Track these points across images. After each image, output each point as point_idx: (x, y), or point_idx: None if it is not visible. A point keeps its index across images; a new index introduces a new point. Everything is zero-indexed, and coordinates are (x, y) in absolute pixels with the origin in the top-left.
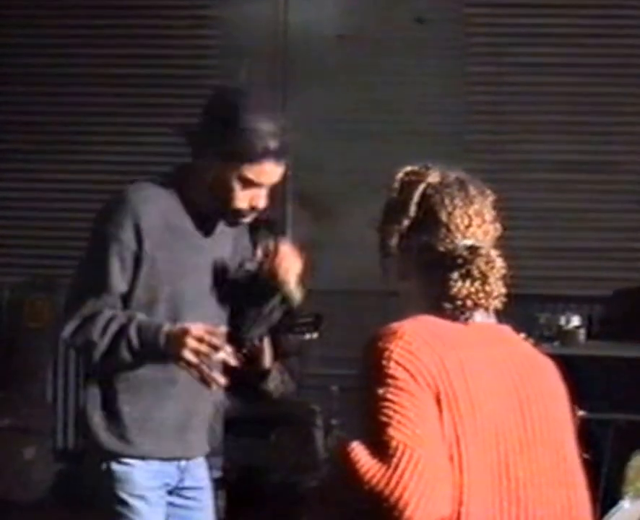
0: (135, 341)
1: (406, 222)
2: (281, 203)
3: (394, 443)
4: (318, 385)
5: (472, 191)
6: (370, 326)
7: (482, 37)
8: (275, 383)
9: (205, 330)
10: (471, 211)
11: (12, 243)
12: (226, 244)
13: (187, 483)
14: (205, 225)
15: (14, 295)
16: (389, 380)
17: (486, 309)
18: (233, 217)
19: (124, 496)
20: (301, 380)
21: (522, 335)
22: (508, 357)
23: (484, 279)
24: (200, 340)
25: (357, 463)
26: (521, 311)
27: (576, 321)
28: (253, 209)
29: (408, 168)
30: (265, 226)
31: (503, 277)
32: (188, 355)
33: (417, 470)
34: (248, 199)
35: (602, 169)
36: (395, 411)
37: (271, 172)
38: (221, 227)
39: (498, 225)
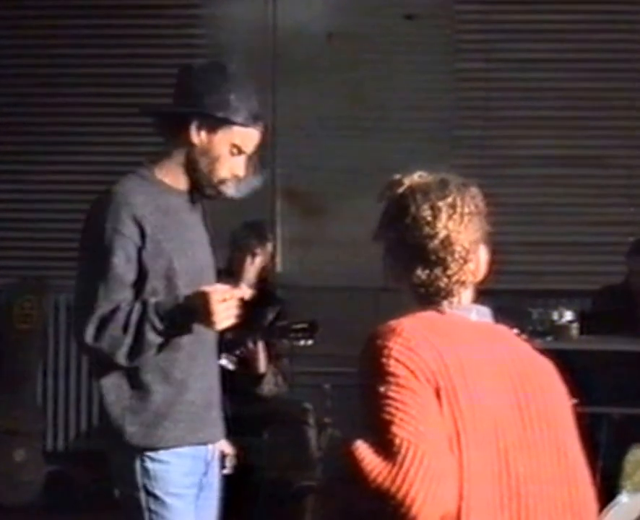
0: (157, 322)
1: (389, 227)
2: (270, 200)
3: (397, 441)
4: (311, 383)
5: (451, 187)
6: (360, 322)
7: (471, 33)
8: (269, 386)
9: (222, 290)
10: (441, 204)
11: (1, 245)
12: (200, 221)
13: (209, 478)
14: (187, 204)
15: (4, 296)
16: (390, 378)
17: (451, 295)
18: (216, 187)
19: (159, 494)
20: (293, 379)
21: (515, 330)
22: (508, 355)
23: (443, 264)
24: (224, 301)
25: (362, 462)
26: (514, 306)
27: (568, 315)
28: (233, 177)
29: (395, 177)
30: (252, 227)
31: (466, 262)
32: (224, 321)
33: (422, 466)
34: (230, 168)
35: (591, 164)
36: (397, 408)
37: (255, 137)
38: (194, 206)
39: (483, 218)
